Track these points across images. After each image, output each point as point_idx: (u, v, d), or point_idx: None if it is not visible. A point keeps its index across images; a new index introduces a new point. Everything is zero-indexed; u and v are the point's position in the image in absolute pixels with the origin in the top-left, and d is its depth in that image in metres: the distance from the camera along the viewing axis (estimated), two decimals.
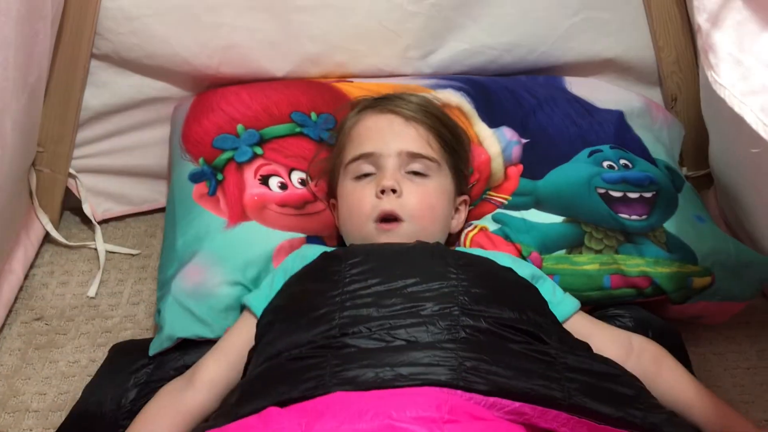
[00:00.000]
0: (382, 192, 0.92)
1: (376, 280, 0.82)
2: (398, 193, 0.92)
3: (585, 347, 0.84)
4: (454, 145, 0.99)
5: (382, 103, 0.99)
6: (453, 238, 1.01)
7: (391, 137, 0.95)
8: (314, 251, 0.91)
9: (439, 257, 0.85)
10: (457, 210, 1.00)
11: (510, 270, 0.88)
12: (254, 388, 0.77)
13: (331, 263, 0.86)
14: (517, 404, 0.72)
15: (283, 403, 0.73)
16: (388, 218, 0.92)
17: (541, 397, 0.73)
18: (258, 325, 0.87)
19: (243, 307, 0.92)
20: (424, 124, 0.97)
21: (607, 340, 0.88)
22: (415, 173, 0.94)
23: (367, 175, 0.95)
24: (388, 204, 0.91)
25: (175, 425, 0.84)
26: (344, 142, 0.99)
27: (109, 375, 0.94)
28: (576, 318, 0.90)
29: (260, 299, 0.90)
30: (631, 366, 0.82)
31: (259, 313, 0.88)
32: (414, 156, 0.94)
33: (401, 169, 0.94)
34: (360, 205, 0.93)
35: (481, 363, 0.74)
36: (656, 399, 0.79)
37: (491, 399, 0.72)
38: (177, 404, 0.86)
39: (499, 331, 0.78)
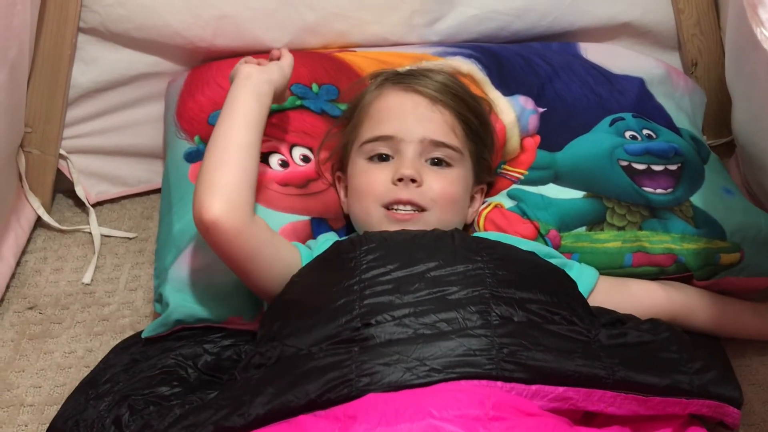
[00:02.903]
0: (399, 180, 0.87)
1: (395, 264, 0.78)
2: (418, 183, 0.88)
3: (616, 318, 0.81)
4: (479, 132, 0.95)
5: (406, 80, 0.94)
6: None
7: (414, 121, 0.90)
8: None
9: (460, 240, 0.82)
10: (472, 198, 0.95)
11: (533, 254, 0.85)
12: (274, 388, 0.72)
13: (344, 251, 0.82)
14: (561, 389, 0.70)
15: (308, 406, 0.70)
16: (404, 208, 0.87)
17: (584, 378, 0.70)
18: (266, 317, 0.83)
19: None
20: (451, 109, 0.92)
21: (639, 298, 0.88)
22: (436, 162, 0.90)
23: (383, 157, 0.90)
24: (406, 192, 0.87)
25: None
26: (361, 118, 0.93)
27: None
28: (600, 286, 0.88)
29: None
30: (668, 310, 0.87)
31: (304, 256, 0.86)
32: (437, 144, 0.90)
33: (421, 157, 0.90)
34: (370, 188, 0.89)
35: (519, 348, 0.71)
36: (696, 353, 0.79)
37: (534, 387, 0.70)
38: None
39: (532, 316, 0.75)
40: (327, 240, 0.90)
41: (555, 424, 0.68)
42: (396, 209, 0.88)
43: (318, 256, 0.85)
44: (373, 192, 0.88)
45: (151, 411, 0.81)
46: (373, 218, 0.88)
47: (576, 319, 0.77)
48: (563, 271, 0.84)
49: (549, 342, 0.72)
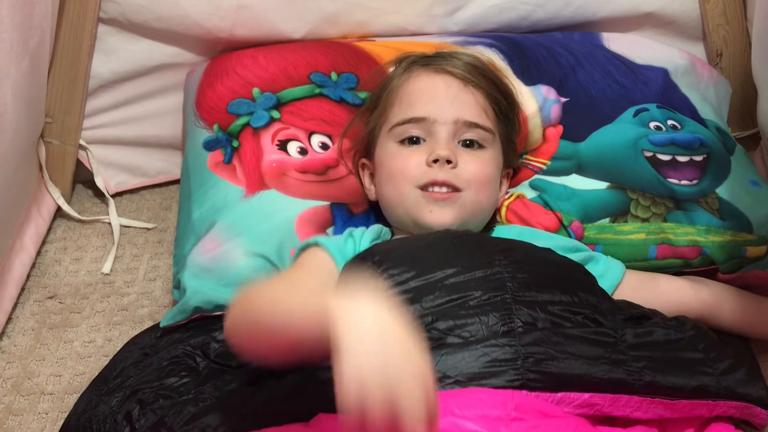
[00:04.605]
0: (435, 161, 0.86)
1: (412, 273, 0.76)
2: (453, 164, 0.86)
3: (642, 313, 0.79)
4: (509, 114, 0.93)
5: (435, 61, 0.93)
6: None
7: (447, 102, 0.89)
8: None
9: (475, 244, 0.80)
10: (500, 182, 0.94)
11: (549, 250, 0.83)
12: (297, 396, 0.71)
13: (359, 266, 0.79)
14: (586, 396, 0.69)
15: (328, 410, 0.68)
16: (440, 189, 0.86)
17: (610, 384, 0.69)
18: None
19: (302, 250, 0.84)
20: (482, 90, 0.90)
21: (667, 294, 0.87)
22: (469, 143, 0.89)
23: (413, 140, 0.89)
24: (442, 173, 0.86)
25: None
26: (390, 101, 0.92)
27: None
28: (627, 281, 0.87)
29: (337, 247, 0.82)
30: (696, 307, 0.86)
31: (338, 260, 0.80)
32: (471, 125, 0.89)
33: (455, 138, 0.88)
34: (404, 170, 0.87)
35: (545, 357, 0.69)
36: (723, 352, 0.77)
37: (559, 395, 0.69)
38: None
39: (555, 318, 0.73)
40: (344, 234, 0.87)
41: (577, 424, 0.68)
42: (432, 189, 0.86)
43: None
44: (409, 174, 0.86)
45: (161, 404, 0.80)
46: (409, 200, 0.86)
47: (599, 317, 0.75)
48: (581, 266, 0.82)
49: (574, 348, 0.71)
